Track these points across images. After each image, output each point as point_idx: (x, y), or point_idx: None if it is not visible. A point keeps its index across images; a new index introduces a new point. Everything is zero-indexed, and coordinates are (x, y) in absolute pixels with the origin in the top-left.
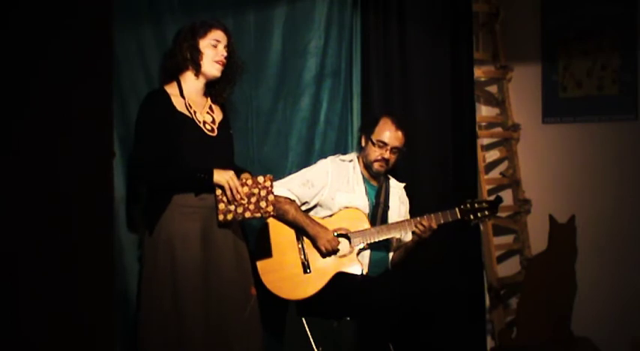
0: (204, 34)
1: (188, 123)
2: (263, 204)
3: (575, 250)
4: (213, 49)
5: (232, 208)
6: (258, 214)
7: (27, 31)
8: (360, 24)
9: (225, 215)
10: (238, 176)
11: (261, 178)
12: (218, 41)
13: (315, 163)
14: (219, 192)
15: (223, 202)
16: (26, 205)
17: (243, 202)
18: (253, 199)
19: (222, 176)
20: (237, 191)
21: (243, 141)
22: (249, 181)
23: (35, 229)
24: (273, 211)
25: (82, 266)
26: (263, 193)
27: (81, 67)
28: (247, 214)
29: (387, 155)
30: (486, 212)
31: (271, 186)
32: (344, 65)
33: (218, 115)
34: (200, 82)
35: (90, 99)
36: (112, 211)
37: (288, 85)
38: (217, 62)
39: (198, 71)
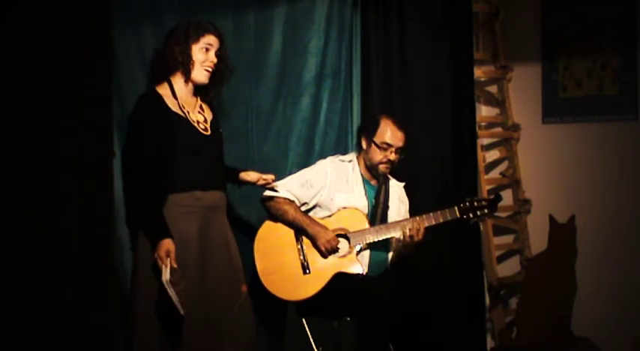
0: (197, 39)
1: (183, 123)
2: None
3: (575, 250)
4: (204, 54)
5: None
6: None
7: (27, 31)
8: (360, 24)
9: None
10: (237, 174)
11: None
12: (210, 45)
13: (314, 163)
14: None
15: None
16: (26, 205)
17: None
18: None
19: (166, 246)
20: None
21: (243, 141)
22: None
23: (35, 229)
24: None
25: (82, 266)
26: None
27: (81, 67)
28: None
29: (392, 157)
30: (486, 211)
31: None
32: (344, 65)
33: (209, 114)
34: (185, 83)
35: (90, 99)
36: (112, 211)
37: (288, 85)
38: (206, 69)
39: (187, 77)
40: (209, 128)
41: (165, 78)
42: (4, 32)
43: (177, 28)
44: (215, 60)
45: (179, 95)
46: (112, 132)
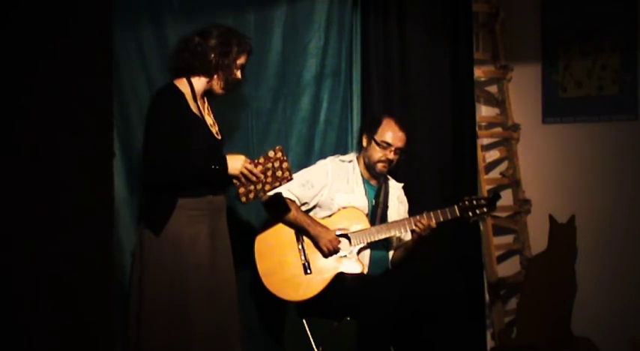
0: (239, 55)
1: (202, 126)
2: (279, 173)
3: (575, 250)
4: (238, 71)
5: (252, 187)
6: (278, 183)
7: (27, 31)
8: (360, 24)
9: (247, 196)
10: None
11: (271, 153)
12: (243, 65)
13: (314, 163)
14: (235, 180)
15: (242, 186)
16: (26, 205)
17: (260, 179)
18: (269, 173)
19: (236, 166)
20: (253, 174)
21: (243, 141)
22: (261, 160)
23: (35, 229)
24: (290, 175)
25: (82, 266)
26: (277, 164)
27: (81, 67)
28: (267, 187)
29: (390, 156)
30: (485, 209)
31: (283, 155)
32: (344, 65)
33: (213, 117)
34: (204, 86)
35: (90, 99)
36: (112, 211)
37: (288, 85)
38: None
39: (224, 90)
40: (219, 132)
41: (186, 75)
42: (4, 32)
43: (213, 31)
44: (240, 77)
45: (197, 96)
46: (112, 132)
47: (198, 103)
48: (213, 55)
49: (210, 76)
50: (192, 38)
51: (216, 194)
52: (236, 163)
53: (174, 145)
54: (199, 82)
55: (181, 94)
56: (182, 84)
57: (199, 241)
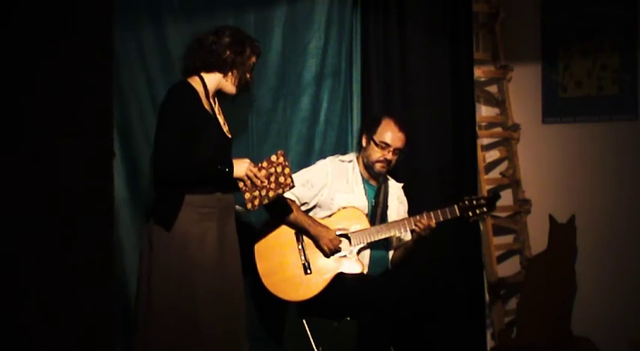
0: (251, 56)
1: (214, 124)
2: (282, 179)
3: (575, 250)
4: (249, 72)
5: (257, 193)
6: (281, 190)
7: (27, 31)
8: (360, 24)
9: (252, 202)
10: None
11: (274, 157)
12: (253, 67)
13: (314, 163)
14: (240, 184)
15: (247, 191)
16: (26, 205)
17: (264, 184)
18: (272, 178)
19: (241, 169)
20: (257, 177)
21: (243, 141)
22: (265, 164)
23: (35, 229)
24: (292, 182)
25: (82, 266)
26: (279, 169)
27: (81, 68)
28: (271, 194)
29: (389, 156)
30: (485, 209)
31: (285, 160)
32: (344, 65)
33: (223, 117)
34: (217, 84)
35: (90, 99)
36: (112, 211)
37: (288, 85)
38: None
39: (237, 89)
40: (229, 131)
41: (199, 73)
42: (4, 32)
43: (228, 30)
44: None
45: (209, 94)
46: (112, 132)
47: (211, 101)
48: (228, 53)
49: (224, 73)
50: (207, 37)
51: (225, 192)
52: (241, 166)
53: (186, 142)
54: (213, 80)
55: (194, 92)
56: (195, 82)
57: (207, 240)
